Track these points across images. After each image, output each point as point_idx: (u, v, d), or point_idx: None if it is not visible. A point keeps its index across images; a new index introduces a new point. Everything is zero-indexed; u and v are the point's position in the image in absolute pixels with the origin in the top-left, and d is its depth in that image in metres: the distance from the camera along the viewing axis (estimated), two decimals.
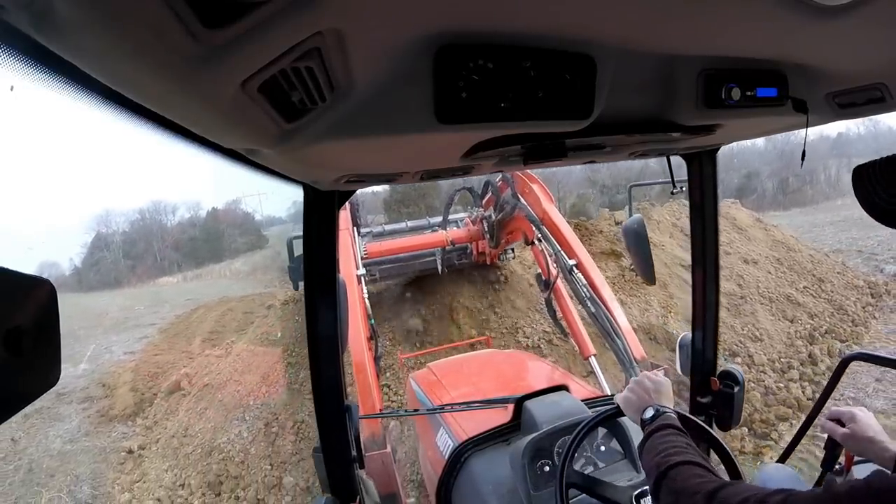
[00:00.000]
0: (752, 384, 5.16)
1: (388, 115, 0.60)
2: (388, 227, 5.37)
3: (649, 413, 1.04)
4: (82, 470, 4.83)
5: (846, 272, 7.79)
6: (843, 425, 1.14)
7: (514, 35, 0.54)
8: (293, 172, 0.92)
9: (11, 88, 0.38)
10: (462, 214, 5.11)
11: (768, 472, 1.42)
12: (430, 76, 0.54)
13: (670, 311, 6.36)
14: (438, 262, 4.63)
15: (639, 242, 1.71)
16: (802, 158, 0.87)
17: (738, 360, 5.67)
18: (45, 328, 0.32)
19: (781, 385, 5.27)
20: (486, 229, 4.15)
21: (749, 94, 0.73)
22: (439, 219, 5.06)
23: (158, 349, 7.83)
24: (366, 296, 3.31)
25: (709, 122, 0.87)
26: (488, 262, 4.90)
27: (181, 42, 0.31)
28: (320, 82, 0.47)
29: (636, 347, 2.37)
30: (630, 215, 1.79)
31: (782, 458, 1.47)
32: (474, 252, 4.67)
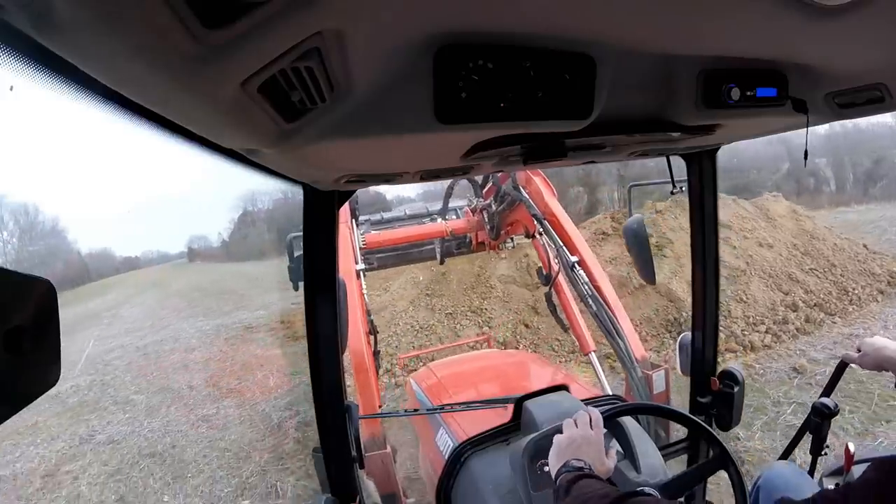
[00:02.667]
0: (722, 329, 5.58)
1: (388, 115, 0.60)
2: (387, 216, 5.32)
3: (562, 471, 0.98)
4: (277, 363, 7.52)
5: (869, 262, 7.77)
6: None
7: (514, 35, 0.54)
8: (293, 172, 0.92)
9: (11, 88, 0.38)
10: (461, 202, 5.06)
11: (776, 470, 1.42)
12: (430, 76, 0.54)
13: (675, 275, 7.05)
14: (437, 251, 4.63)
15: (639, 242, 1.71)
16: (805, 158, 0.88)
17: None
18: (45, 328, 0.32)
19: (746, 333, 6.08)
20: (487, 220, 4.10)
21: (749, 93, 0.73)
22: (438, 206, 5.04)
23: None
24: (365, 292, 3.29)
25: (708, 122, 0.87)
26: (487, 251, 4.87)
27: (181, 42, 0.31)
28: (320, 82, 0.47)
29: (637, 347, 2.36)
30: (630, 215, 1.79)
31: (784, 455, 1.47)
32: (473, 242, 4.64)
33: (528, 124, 0.65)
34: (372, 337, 2.86)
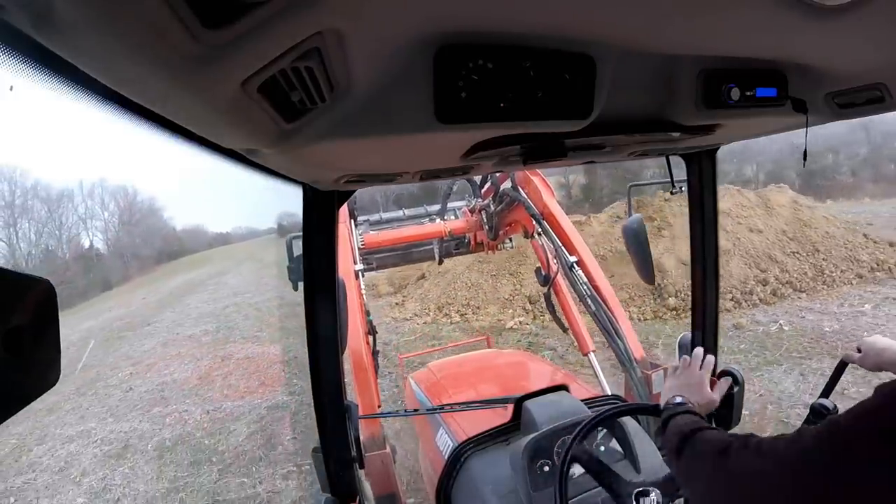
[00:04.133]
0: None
1: (388, 115, 0.60)
2: (386, 216, 5.30)
3: (673, 401, 1.11)
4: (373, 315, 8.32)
5: (859, 250, 8.28)
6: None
7: (514, 35, 0.54)
8: (293, 172, 0.92)
9: (11, 88, 0.38)
10: (460, 203, 5.06)
11: None
12: (430, 76, 0.54)
13: (667, 251, 8.10)
14: (436, 251, 4.63)
15: (638, 242, 1.71)
16: (804, 158, 0.88)
17: (668, 256, 7.95)
18: (45, 328, 0.32)
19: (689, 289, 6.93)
20: (485, 220, 4.09)
21: (748, 94, 0.73)
22: (437, 207, 5.03)
23: (400, 270, 11.25)
24: (363, 291, 3.28)
25: (708, 122, 0.87)
26: (485, 252, 4.87)
27: (181, 42, 0.31)
28: (320, 82, 0.47)
29: (636, 347, 2.36)
30: (630, 215, 1.78)
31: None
32: (472, 242, 4.63)
33: (527, 124, 0.65)
34: (371, 337, 2.86)
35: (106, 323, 14.29)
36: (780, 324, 6.43)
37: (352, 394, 1.83)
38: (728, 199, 9.18)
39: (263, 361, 7.60)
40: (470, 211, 4.48)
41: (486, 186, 3.96)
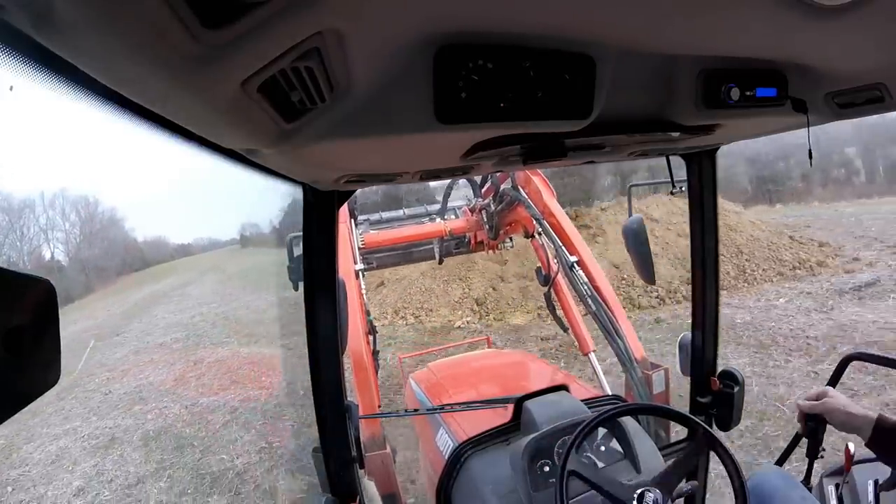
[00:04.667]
0: (621, 293, 7.98)
1: (388, 115, 0.60)
2: (386, 215, 5.32)
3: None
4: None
5: (782, 250, 9.38)
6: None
7: (514, 35, 0.54)
8: (293, 172, 0.92)
9: (11, 88, 0.38)
10: (460, 202, 5.06)
11: (764, 475, 1.42)
12: (430, 76, 0.54)
13: (601, 255, 8.89)
14: (436, 251, 4.63)
15: (638, 242, 1.71)
16: (810, 157, 0.88)
17: (600, 260, 8.70)
18: (45, 328, 0.32)
19: (640, 296, 8.33)
20: (485, 220, 4.09)
21: (748, 93, 0.73)
22: (437, 206, 5.04)
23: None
24: (364, 291, 3.29)
25: (708, 122, 0.87)
26: (486, 251, 4.87)
27: (181, 42, 0.31)
28: (320, 82, 0.47)
29: (636, 347, 2.36)
30: (630, 215, 1.78)
31: (780, 461, 1.47)
32: (472, 242, 4.62)
33: (527, 124, 0.65)
34: (371, 337, 2.86)
35: (75, 334, 14.23)
36: None
37: (351, 394, 1.83)
38: (660, 207, 10.28)
39: (234, 363, 7.98)
40: (470, 210, 4.48)
41: (487, 186, 3.96)
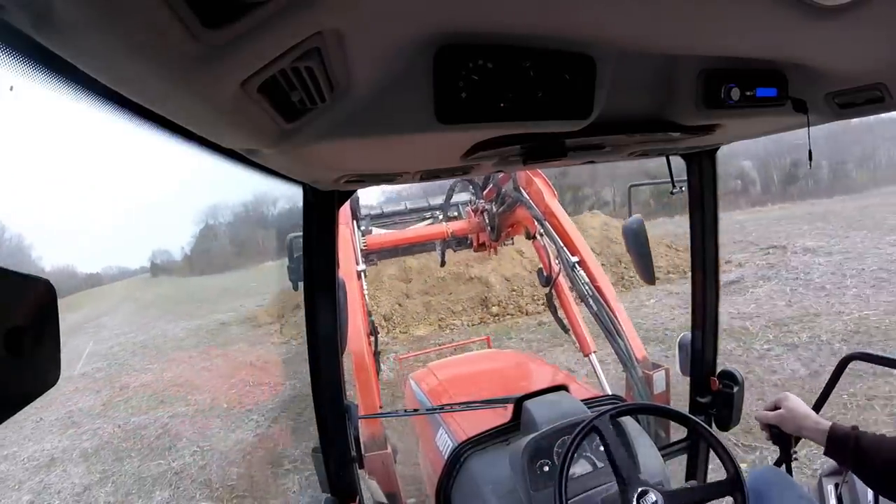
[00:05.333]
0: (511, 302, 9.50)
1: (388, 115, 0.60)
2: (388, 210, 5.30)
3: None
4: (247, 337, 11.19)
5: (656, 258, 10.14)
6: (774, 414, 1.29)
7: (514, 35, 0.54)
8: (293, 172, 0.92)
9: (11, 88, 0.38)
10: (464, 196, 5.01)
11: (762, 475, 1.41)
12: (430, 76, 0.54)
13: (494, 270, 10.01)
14: (439, 254, 4.65)
15: (638, 242, 1.71)
16: (810, 158, 0.88)
17: (494, 274, 9.95)
18: (45, 328, 0.31)
19: (529, 305, 9.30)
20: (487, 221, 4.10)
21: (749, 94, 0.73)
22: (439, 201, 5.03)
23: (277, 303, 13.12)
24: (366, 292, 3.29)
25: (708, 122, 0.87)
26: (487, 253, 4.88)
27: (181, 42, 0.31)
28: (320, 82, 0.47)
29: (638, 347, 2.37)
30: (630, 215, 1.78)
31: (779, 462, 1.47)
32: (475, 243, 4.63)
33: (528, 124, 0.65)
34: (372, 337, 2.86)
35: None
36: None
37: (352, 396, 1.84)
38: (594, 218, 11.69)
39: (159, 386, 8.45)
40: (473, 212, 4.48)
41: (489, 188, 3.97)
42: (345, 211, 3.68)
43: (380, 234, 4.46)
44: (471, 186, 4.54)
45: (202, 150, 0.59)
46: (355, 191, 1.25)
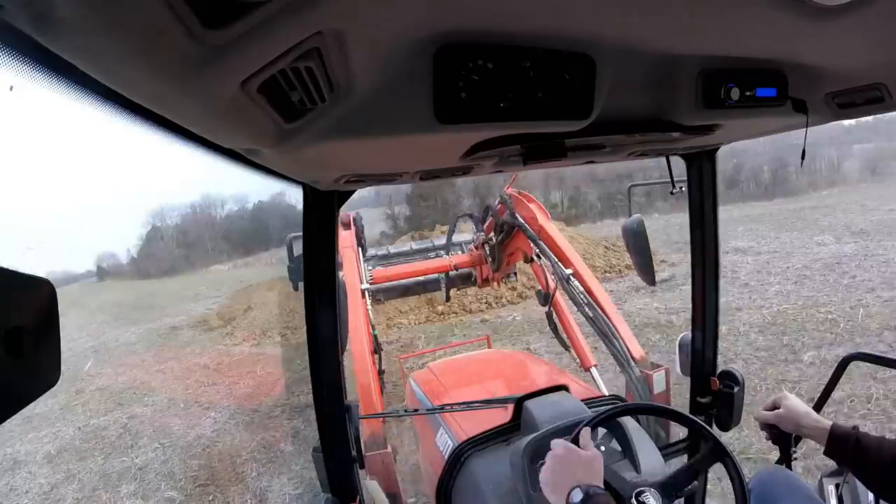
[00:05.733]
0: (479, 300, 9.60)
1: (388, 115, 0.60)
2: (393, 250, 5.61)
3: (577, 497, 0.94)
4: (199, 340, 11.47)
5: (596, 258, 11.08)
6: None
7: (514, 35, 0.54)
8: (293, 172, 0.92)
9: (11, 88, 0.38)
10: (467, 236, 5.30)
11: (766, 475, 1.41)
12: (430, 76, 0.54)
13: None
14: (443, 288, 4.79)
15: (638, 242, 1.71)
16: (802, 158, 0.88)
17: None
18: (45, 328, 0.32)
19: (491, 301, 9.50)
20: (488, 253, 4.26)
21: (748, 94, 0.73)
22: (443, 240, 5.24)
23: (228, 306, 14.01)
24: (370, 308, 3.44)
25: (708, 122, 0.87)
26: (491, 286, 5.05)
27: (181, 42, 0.31)
28: (320, 82, 0.47)
29: (635, 349, 2.38)
30: (630, 215, 1.79)
31: (779, 462, 1.47)
32: (479, 279, 4.80)
33: (527, 124, 0.65)
34: (376, 356, 2.91)
35: None
36: (514, 316, 8.69)
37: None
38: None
39: (115, 389, 8.50)
40: (475, 247, 4.65)
41: (488, 222, 4.17)
42: (349, 235, 3.94)
43: (385, 269, 4.67)
44: (471, 221, 4.77)
45: (202, 151, 0.59)
46: (355, 191, 1.25)
